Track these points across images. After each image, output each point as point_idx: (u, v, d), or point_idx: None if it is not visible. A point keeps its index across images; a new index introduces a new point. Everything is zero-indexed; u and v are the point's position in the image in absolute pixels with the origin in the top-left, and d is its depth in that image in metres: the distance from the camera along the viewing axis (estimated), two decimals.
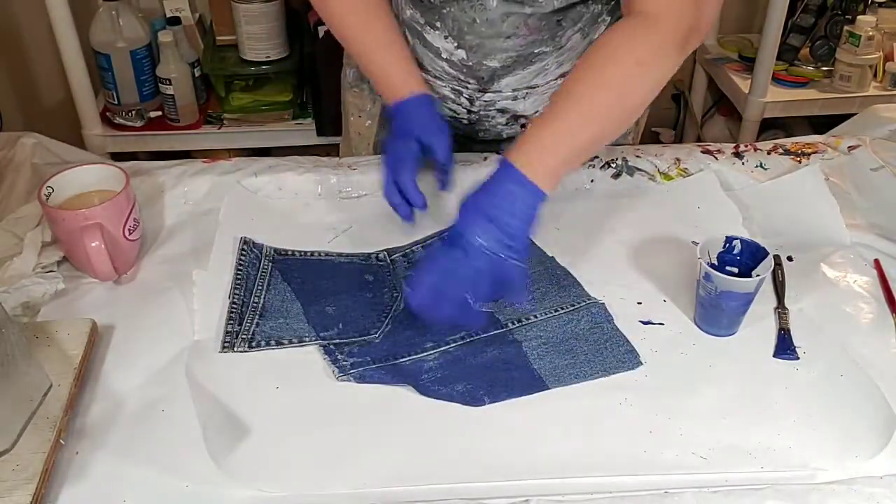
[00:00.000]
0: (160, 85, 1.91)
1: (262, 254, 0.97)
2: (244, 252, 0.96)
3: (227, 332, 0.88)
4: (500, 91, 1.09)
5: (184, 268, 0.96)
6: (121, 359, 0.85)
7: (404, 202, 0.99)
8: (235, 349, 0.86)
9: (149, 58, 1.90)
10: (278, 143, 1.97)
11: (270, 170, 1.11)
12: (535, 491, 0.74)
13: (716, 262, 0.89)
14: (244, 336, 0.87)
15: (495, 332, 0.90)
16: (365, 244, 1.01)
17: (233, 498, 0.73)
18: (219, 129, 1.97)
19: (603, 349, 0.87)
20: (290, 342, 0.87)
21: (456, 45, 1.04)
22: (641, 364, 0.86)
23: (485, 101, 1.10)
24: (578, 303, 0.92)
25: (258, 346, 0.87)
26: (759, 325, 0.90)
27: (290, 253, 0.99)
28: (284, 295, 0.93)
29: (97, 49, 1.85)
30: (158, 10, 1.96)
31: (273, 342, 0.87)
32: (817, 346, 0.88)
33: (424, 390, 0.83)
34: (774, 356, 0.87)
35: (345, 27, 1.05)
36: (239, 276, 0.94)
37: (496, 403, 0.82)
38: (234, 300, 0.91)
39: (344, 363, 0.85)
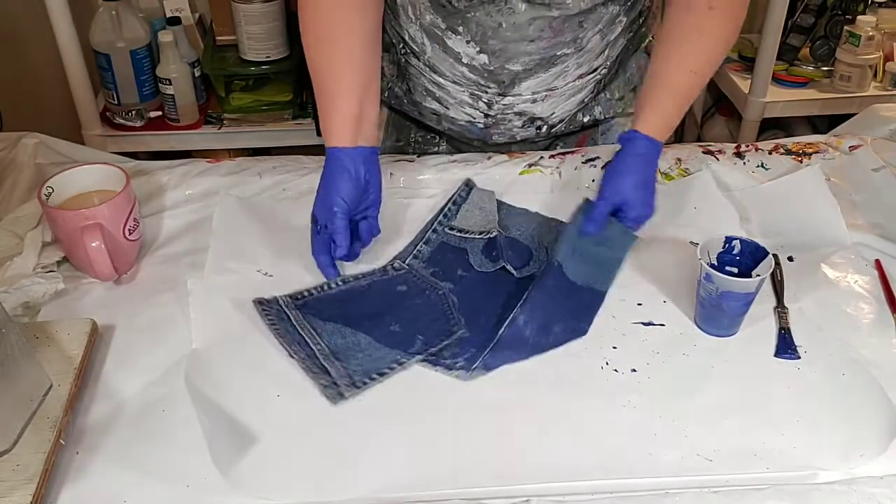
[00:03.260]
0: (160, 85, 1.90)
1: (281, 305, 0.92)
2: (266, 311, 0.90)
3: (325, 387, 0.82)
4: (519, 94, 1.08)
5: (184, 268, 0.96)
6: (121, 359, 0.85)
7: (329, 266, 0.97)
8: (347, 397, 0.81)
9: (149, 58, 1.89)
10: (278, 143, 1.97)
11: (274, 170, 1.11)
12: (535, 491, 0.74)
13: (715, 263, 0.89)
14: (345, 382, 0.82)
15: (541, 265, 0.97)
16: (366, 254, 1.00)
17: (234, 497, 0.73)
18: (219, 129, 1.96)
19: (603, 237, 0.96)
20: (392, 369, 0.84)
21: (478, 49, 1.03)
22: (637, 238, 0.97)
23: (503, 104, 1.10)
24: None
25: (364, 384, 0.83)
26: (759, 324, 0.90)
27: (305, 295, 0.93)
28: (341, 331, 0.89)
29: (97, 49, 1.85)
30: (158, 10, 1.96)
31: (375, 375, 0.83)
32: (818, 345, 0.88)
33: (540, 348, 0.87)
34: (775, 356, 0.87)
35: (328, 51, 0.97)
36: (280, 334, 0.88)
37: (497, 403, 0.82)
38: (300, 357, 0.85)
39: (461, 364, 0.85)
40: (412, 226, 1.04)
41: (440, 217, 1.04)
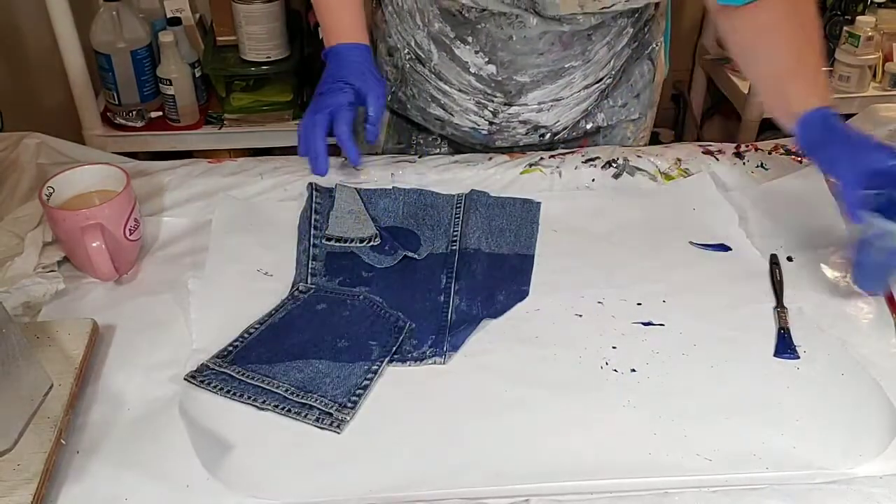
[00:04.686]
0: (161, 85, 1.91)
1: (214, 368, 0.84)
2: (205, 380, 0.83)
3: (319, 421, 0.79)
4: (525, 104, 1.09)
5: (185, 268, 0.96)
6: (121, 359, 0.85)
7: (323, 154, 1.01)
8: (348, 420, 0.79)
9: (149, 58, 1.90)
10: (279, 144, 1.97)
11: (276, 171, 1.11)
12: (535, 491, 0.74)
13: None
14: (334, 409, 0.80)
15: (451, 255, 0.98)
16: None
17: (234, 498, 0.73)
18: (219, 129, 1.97)
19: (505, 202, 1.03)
20: (369, 380, 0.83)
21: (487, 60, 1.03)
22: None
23: (509, 113, 1.10)
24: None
25: (354, 403, 0.80)
26: (758, 324, 0.90)
27: (231, 349, 0.86)
28: (294, 367, 0.83)
29: (98, 49, 1.85)
30: (159, 11, 1.96)
31: (358, 391, 0.81)
32: (818, 345, 0.88)
33: (493, 315, 0.90)
34: (775, 356, 0.87)
35: None
36: (236, 394, 0.82)
37: (496, 403, 0.82)
38: (273, 405, 0.80)
39: (432, 352, 0.86)
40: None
41: (312, 230, 1.00)
